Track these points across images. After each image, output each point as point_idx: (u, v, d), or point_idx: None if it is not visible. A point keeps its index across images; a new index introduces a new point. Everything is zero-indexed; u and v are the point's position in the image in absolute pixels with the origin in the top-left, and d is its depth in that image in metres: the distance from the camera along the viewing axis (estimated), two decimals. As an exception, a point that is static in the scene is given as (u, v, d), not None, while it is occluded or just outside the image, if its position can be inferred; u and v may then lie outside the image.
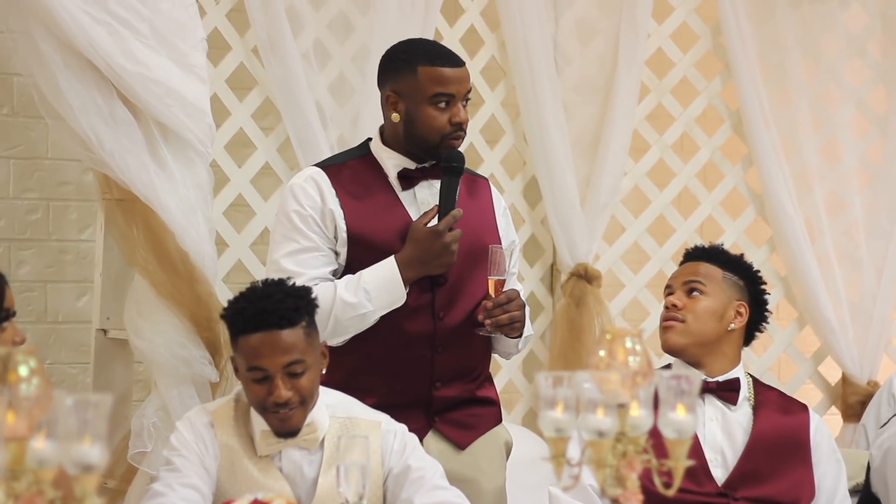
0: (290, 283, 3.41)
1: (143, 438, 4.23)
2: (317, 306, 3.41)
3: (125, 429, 4.31)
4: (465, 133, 3.78)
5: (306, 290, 3.40)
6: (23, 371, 2.19)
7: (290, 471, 3.39)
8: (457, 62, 3.76)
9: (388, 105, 3.75)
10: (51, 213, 5.01)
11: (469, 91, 3.77)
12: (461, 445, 3.79)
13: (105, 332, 4.43)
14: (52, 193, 5.00)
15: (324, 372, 3.42)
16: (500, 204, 3.94)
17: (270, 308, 3.31)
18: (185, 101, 4.22)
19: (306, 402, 3.34)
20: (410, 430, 3.54)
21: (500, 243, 3.80)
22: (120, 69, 4.12)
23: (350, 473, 3.00)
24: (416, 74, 3.70)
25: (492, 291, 3.69)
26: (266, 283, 3.41)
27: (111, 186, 4.24)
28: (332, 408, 3.44)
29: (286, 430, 3.34)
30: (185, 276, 4.24)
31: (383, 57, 3.83)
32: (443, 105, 3.70)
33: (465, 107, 3.76)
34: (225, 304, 4.36)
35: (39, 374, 2.21)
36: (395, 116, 3.73)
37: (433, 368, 3.75)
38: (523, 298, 3.82)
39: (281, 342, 3.30)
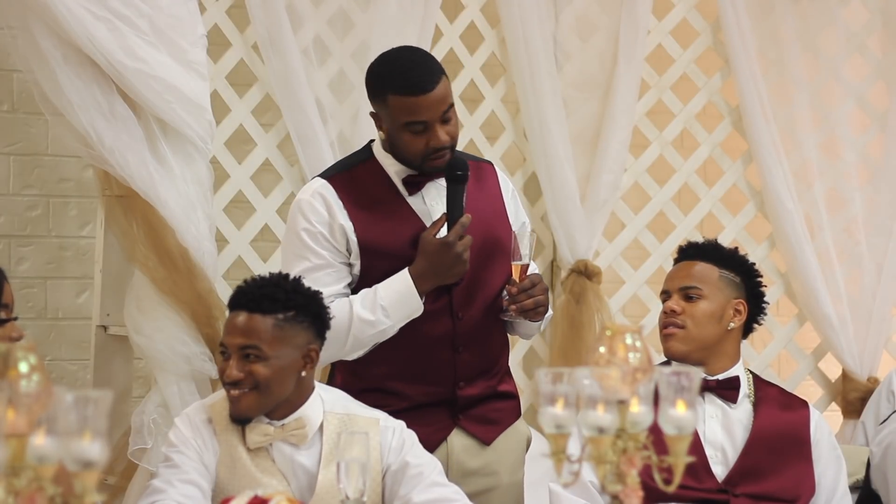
0: (291, 277, 3.42)
1: (143, 435, 4.23)
2: (317, 313, 3.41)
3: (125, 425, 4.32)
4: (451, 146, 3.67)
5: (307, 292, 3.40)
6: (23, 368, 2.19)
7: (282, 466, 3.39)
8: (425, 88, 3.60)
9: (375, 123, 3.73)
10: (51, 210, 5.01)
11: (448, 109, 3.64)
12: (486, 441, 3.80)
13: (105, 328, 4.43)
14: (52, 190, 5.00)
15: (303, 375, 3.40)
16: (508, 187, 3.91)
17: (247, 290, 3.38)
18: (184, 97, 4.22)
19: (260, 388, 3.34)
20: (435, 429, 3.56)
21: (512, 229, 3.78)
22: (120, 65, 4.12)
23: (351, 470, 3.00)
24: (387, 103, 3.63)
25: (516, 276, 3.68)
26: (278, 273, 3.45)
27: (111, 183, 4.24)
28: (330, 403, 3.44)
29: (236, 413, 3.36)
30: (185, 273, 4.24)
31: (366, 74, 3.75)
32: (417, 130, 3.62)
33: (448, 122, 3.64)
34: (225, 301, 4.39)
35: (39, 371, 2.20)
36: (381, 135, 3.73)
37: (456, 369, 3.74)
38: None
39: (243, 325, 3.35)
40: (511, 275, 3.71)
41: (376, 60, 3.75)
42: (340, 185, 3.72)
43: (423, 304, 3.67)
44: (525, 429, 3.93)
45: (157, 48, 4.18)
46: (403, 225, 3.71)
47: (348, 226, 3.69)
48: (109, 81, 4.16)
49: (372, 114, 3.72)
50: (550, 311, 3.89)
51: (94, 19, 4.08)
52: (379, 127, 3.71)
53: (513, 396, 3.90)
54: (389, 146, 3.72)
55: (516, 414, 3.90)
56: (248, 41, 4.63)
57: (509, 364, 4.97)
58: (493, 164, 3.95)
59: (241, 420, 3.37)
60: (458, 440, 3.75)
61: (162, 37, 4.19)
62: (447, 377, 3.74)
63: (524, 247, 3.68)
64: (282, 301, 3.36)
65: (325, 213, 3.69)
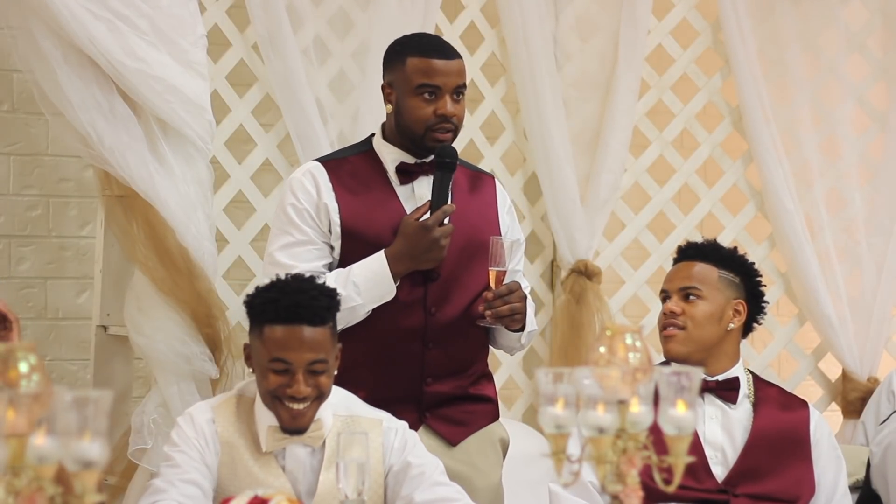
0: (321, 281, 3.42)
1: (143, 435, 4.23)
2: (339, 309, 3.42)
3: (125, 425, 4.32)
4: (455, 126, 3.76)
5: (335, 292, 3.41)
6: (23, 368, 2.19)
7: (294, 468, 3.39)
8: (449, 55, 3.77)
9: (384, 96, 3.81)
10: (51, 210, 5.01)
11: (461, 86, 3.77)
12: (453, 442, 3.81)
13: (105, 328, 4.43)
14: (53, 190, 5.00)
15: (335, 373, 3.43)
16: (506, 202, 3.96)
17: (305, 303, 3.32)
18: (185, 97, 4.22)
19: (321, 398, 3.35)
20: None
21: (493, 237, 3.80)
22: (120, 65, 4.12)
23: (349, 470, 3.01)
24: (405, 65, 3.75)
25: (492, 283, 3.70)
26: (296, 277, 3.42)
27: (111, 183, 4.24)
28: (335, 406, 3.44)
29: (296, 426, 3.34)
30: (185, 273, 4.24)
31: (385, 52, 3.88)
32: (428, 96, 3.72)
33: (457, 101, 3.76)
34: (225, 301, 4.39)
35: (39, 371, 2.20)
36: (388, 108, 3.79)
37: (424, 364, 3.76)
38: (527, 294, 3.83)
39: (310, 339, 3.31)
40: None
41: (401, 37, 3.89)
42: (332, 169, 3.80)
43: (398, 295, 3.70)
44: (501, 432, 3.92)
45: (157, 48, 4.18)
46: (389, 214, 3.75)
47: (333, 206, 3.75)
48: (109, 81, 4.16)
49: (383, 87, 3.81)
50: (535, 327, 3.91)
51: (94, 19, 4.08)
52: (388, 100, 3.78)
53: (488, 401, 3.90)
54: (395, 124, 3.78)
55: (490, 418, 3.90)
56: (248, 41, 4.63)
57: (509, 364, 5.02)
58: (494, 178, 4.00)
59: (300, 431, 3.36)
60: (424, 439, 3.75)
61: (162, 37, 4.20)
62: (414, 372, 3.76)
63: (504, 255, 3.69)
64: (332, 308, 3.38)
65: (312, 192, 3.76)
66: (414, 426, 3.73)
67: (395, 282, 3.70)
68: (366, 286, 3.68)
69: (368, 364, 3.73)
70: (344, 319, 3.68)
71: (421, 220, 3.70)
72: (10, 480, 2.15)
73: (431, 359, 3.77)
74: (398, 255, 3.69)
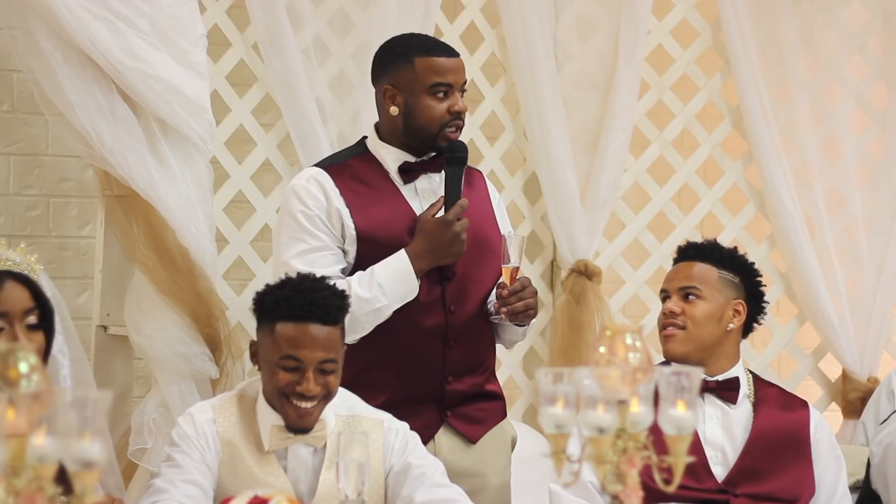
0: (332, 281, 3.43)
1: (143, 435, 4.23)
2: (349, 311, 3.42)
3: (125, 425, 4.31)
4: (464, 123, 3.80)
5: (345, 293, 3.41)
6: (23, 367, 2.19)
7: (296, 467, 3.39)
8: (452, 52, 3.81)
9: (385, 99, 3.79)
10: (51, 210, 5.01)
11: (465, 82, 3.82)
12: (472, 440, 3.82)
13: (105, 328, 4.43)
14: (53, 190, 4.99)
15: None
16: (495, 196, 3.99)
17: (319, 302, 3.33)
18: (185, 97, 4.22)
19: (329, 398, 3.36)
20: (423, 425, 3.56)
21: (501, 233, 3.82)
22: (120, 65, 4.12)
23: (349, 470, 3.01)
24: (414, 66, 3.75)
25: (507, 279, 3.71)
26: (308, 277, 3.42)
27: (111, 183, 4.24)
28: (336, 406, 3.44)
29: (302, 425, 3.35)
30: (186, 273, 4.24)
31: (378, 52, 3.88)
32: (441, 95, 3.74)
33: (462, 98, 3.79)
34: (225, 301, 4.39)
35: (39, 371, 2.20)
36: (394, 110, 3.76)
37: (445, 362, 3.77)
38: None
39: (323, 338, 3.32)
40: (501, 277, 3.73)
41: (392, 38, 3.89)
42: (336, 174, 3.79)
43: (418, 295, 3.71)
44: (510, 429, 3.95)
45: (157, 48, 4.18)
46: (400, 214, 3.76)
47: (345, 211, 3.74)
48: (109, 81, 4.16)
49: (384, 90, 3.78)
50: (535, 319, 3.92)
51: (95, 19, 4.08)
52: (392, 102, 3.77)
53: (499, 397, 3.92)
54: (403, 125, 3.77)
55: (502, 415, 3.92)
56: (248, 41, 4.63)
57: (509, 364, 5.02)
58: (482, 173, 4.04)
59: (305, 430, 3.37)
60: (445, 439, 3.77)
61: (162, 37, 4.20)
62: (436, 371, 3.76)
63: (514, 250, 3.71)
64: (344, 308, 3.39)
65: (321, 198, 3.75)
66: (435, 426, 3.75)
67: (418, 279, 3.70)
68: (390, 286, 3.68)
69: (391, 366, 3.74)
70: (370, 321, 3.68)
71: (439, 215, 3.71)
72: (10, 480, 2.15)
73: (452, 357, 3.78)
74: (420, 253, 3.70)
